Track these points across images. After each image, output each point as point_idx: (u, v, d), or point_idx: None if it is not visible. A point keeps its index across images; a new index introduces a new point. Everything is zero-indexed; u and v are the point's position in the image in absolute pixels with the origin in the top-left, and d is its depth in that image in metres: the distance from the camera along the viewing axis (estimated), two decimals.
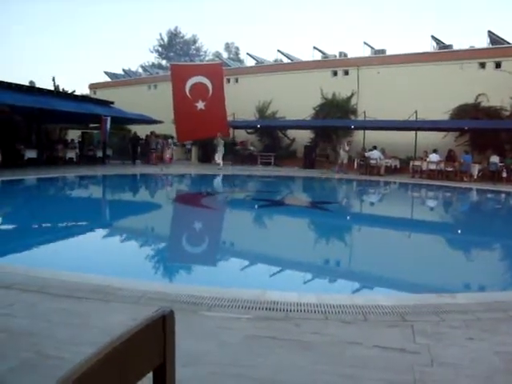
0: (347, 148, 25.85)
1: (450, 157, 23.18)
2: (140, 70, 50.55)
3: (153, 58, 64.31)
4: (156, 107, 30.71)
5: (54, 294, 4.41)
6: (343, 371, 3.06)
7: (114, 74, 43.94)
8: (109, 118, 24.27)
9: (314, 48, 32.48)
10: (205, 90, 28.16)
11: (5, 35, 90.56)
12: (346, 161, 25.64)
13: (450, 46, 27.39)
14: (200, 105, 28.06)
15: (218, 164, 26.73)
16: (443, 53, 26.72)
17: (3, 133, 22.78)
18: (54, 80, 30.57)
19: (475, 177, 21.99)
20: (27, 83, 29.40)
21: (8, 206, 13.19)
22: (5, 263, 6.05)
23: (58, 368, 2.86)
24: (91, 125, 30.18)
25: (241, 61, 48.21)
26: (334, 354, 3.34)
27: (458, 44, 27.40)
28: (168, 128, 29.29)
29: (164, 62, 59.69)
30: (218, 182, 22.29)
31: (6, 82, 21.39)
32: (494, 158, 21.74)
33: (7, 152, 21.01)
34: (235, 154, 30.85)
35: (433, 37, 28.38)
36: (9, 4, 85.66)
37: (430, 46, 28.55)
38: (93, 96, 35.68)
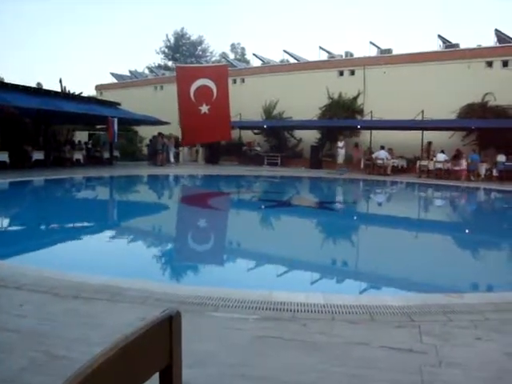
0: (341, 144, 25.80)
1: (457, 156, 23.11)
2: (146, 72, 50.64)
3: (159, 60, 64.44)
4: (163, 108, 30.79)
5: (62, 295, 4.42)
6: (350, 372, 3.05)
7: (120, 75, 44.06)
8: (116, 119, 24.34)
9: (320, 48, 32.45)
10: (209, 93, 28.13)
11: (11, 37, 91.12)
12: (341, 160, 25.62)
13: (456, 45, 27.27)
14: (204, 108, 28.03)
15: (170, 163, 28.19)
16: (450, 52, 26.63)
17: (11, 134, 22.90)
18: (61, 82, 30.51)
19: (482, 176, 21.91)
20: (34, 85, 29.57)
21: (16, 207, 13.25)
22: (14, 264, 6.08)
23: (67, 368, 2.87)
24: (98, 126, 30.30)
25: (247, 61, 48.27)
26: (340, 354, 3.33)
27: (465, 43, 27.25)
28: (175, 129, 29.35)
29: (170, 63, 59.72)
30: (223, 183, 22.29)
31: (14, 84, 21.55)
32: (501, 158, 21.65)
33: (15, 153, 21.11)
34: (242, 154, 30.89)
35: (439, 36, 28.29)
36: (13, 4, 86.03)
37: (436, 46, 28.50)
38: (99, 97, 35.80)
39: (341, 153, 25.75)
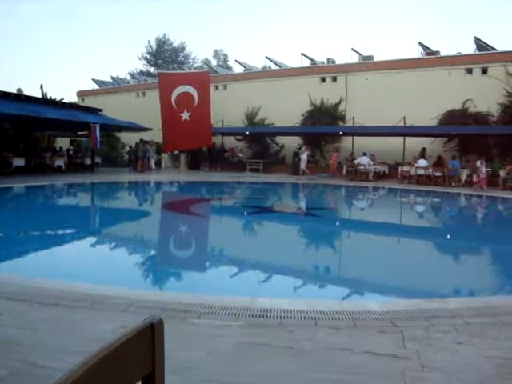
0: (302, 149, 26.37)
1: (438, 162, 23.33)
2: (128, 78, 50.38)
3: (141, 66, 64.15)
4: (145, 115, 30.68)
5: (42, 303, 4.36)
6: (334, 377, 3.05)
7: (102, 81, 43.77)
8: (98, 126, 24.18)
9: (302, 54, 32.55)
10: (190, 99, 28.15)
11: None
12: (303, 166, 26.20)
13: (437, 52, 27.59)
14: (185, 115, 28.06)
15: (152, 169, 28.48)
16: (430, 59, 26.91)
17: None
18: (41, 88, 30.41)
19: (463, 182, 22.12)
20: (15, 91, 29.27)
21: None
22: None
23: (46, 377, 2.83)
24: (80, 132, 30.09)
25: (229, 68, 48.23)
26: (324, 360, 3.33)
27: (445, 50, 27.62)
28: (157, 135, 29.27)
29: (152, 70, 59.57)
30: (205, 189, 22.24)
31: None
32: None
33: None
34: (224, 160, 30.88)
35: (420, 43, 28.59)
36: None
37: (417, 53, 28.78)
38: (81, 103, 35.56)
39: (302, 159, 26.59)
